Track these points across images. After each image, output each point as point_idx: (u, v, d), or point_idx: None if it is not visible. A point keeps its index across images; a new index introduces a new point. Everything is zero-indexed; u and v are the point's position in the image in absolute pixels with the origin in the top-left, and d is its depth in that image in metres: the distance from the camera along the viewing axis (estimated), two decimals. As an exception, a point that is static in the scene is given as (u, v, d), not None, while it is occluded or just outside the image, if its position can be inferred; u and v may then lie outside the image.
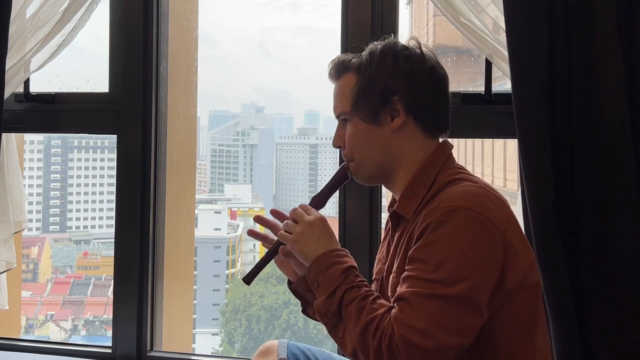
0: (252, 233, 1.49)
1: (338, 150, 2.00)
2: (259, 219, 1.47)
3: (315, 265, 1.29)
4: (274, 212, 1.46)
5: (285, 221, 1.38)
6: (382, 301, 1.22)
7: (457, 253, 1.16)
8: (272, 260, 1.44)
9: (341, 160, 2.00)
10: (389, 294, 1.30)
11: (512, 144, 2.25)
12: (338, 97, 1.40)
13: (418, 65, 1.34)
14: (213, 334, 6.96)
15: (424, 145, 1.35)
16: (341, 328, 1.23)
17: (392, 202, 1.43)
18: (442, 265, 1.15)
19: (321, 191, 1.45)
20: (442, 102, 1.37)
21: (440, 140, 1.39)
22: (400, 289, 1.19)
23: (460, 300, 1.14)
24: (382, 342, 1.14)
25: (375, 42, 1.39)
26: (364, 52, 1.38)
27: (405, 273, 1.20)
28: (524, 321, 1.24)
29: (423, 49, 1.37)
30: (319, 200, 1.43)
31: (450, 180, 1.28)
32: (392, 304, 1.20)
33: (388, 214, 1.44)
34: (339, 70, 1.40)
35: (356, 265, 1.30)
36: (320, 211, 1.40)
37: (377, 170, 1.38)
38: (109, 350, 2.25)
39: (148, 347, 2.24)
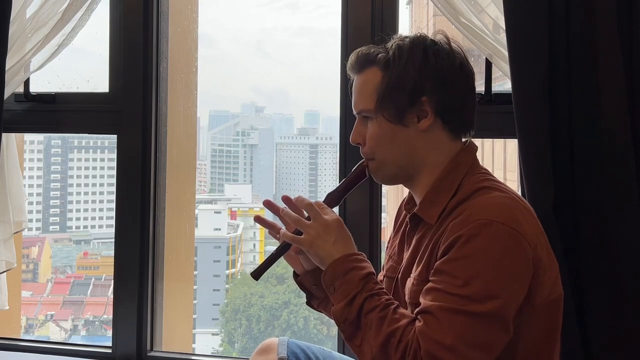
0: (258, 219, 1.42)
1: (339, 149, 1.99)
2: (268, 204, 1.41)
3: (331, 269, 1.24)
4: (286, 199, 1.37)
5: (298, 218, 1.31)
6: (403, 311, 1.19)
7: (487, 269, 1.12)
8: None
9: (342, 160, 2.00)
10: (407, 299, 1.27)
11: (512, 144, 2.24)
12: (360, 94, 1.32)
13: (448, 63, 1.28)
14: (213, 334, 6.95)
15: (449, 147, 1.30)
16: (359, 336, 1.20)
17: (409, 200, 1.39)
18: (471, 281, 1.12)
19: (337, 189, 1.38)
20: (470, 102, 1.32)
21: (465, 141, 1.34)
22: (425, 301, 1.16)
23: (488, 318, 1.12)
24: (406, 355, 1.12)
25: (401, 35, 1.32)
26: (389, 46, 1.30)
27: (431, 284, 1.17)
28: (545, 333, 1.23)
29: (452, 44, 1.30)
30: (333, 198, 1.36)
31: (478, 189, 1.24)
32: (414, 315, 1.17)
33: (405, 211, 1.40)
34: (362, 63, 1.32)
35: (374, 271, 1.26)
36: None
37: (398, 171, 1.33)
38: (109, 350, 2.25)
39: (148, 347, 2.23)
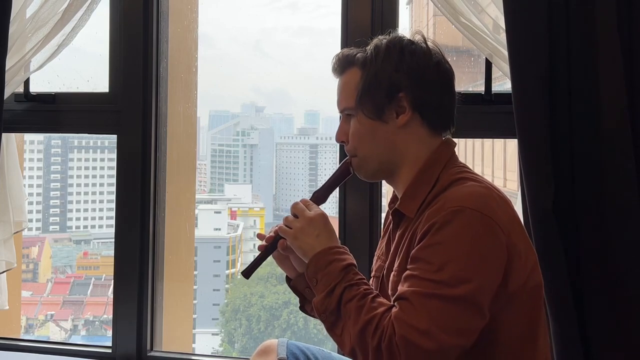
0: (261, 237, 1.46)
1: (339, 149, 2.00)
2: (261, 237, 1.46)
3: (314, 262, 1.28)
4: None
5: (286, 216, 1.35)
6: (382, 299, 1.21)
7: (461, 254, 1.15)
8: (273, 258, 1.42)
9: (342, 159, 2.00)
10: (390, 292, 1.29)
11: (512, 144, 2.25)
12: (342, 92, 1.37)
13: (424, 60, 1.31)
14: (213, 334, 6.96)
15: (428, 142, 1.33)
16: (340, 326, 1.22)
17: (394, 199, 1.42)
18: (445, 266, 1.14)
19: (322, 186, 1.42)
20: (447, 99, 1.34)
21: (444, 137, 1.37)
22: (402, 287, 1.18)
23: (462, 302, 1.13)
24: (382, 341, 1.13)
25: (380, 37, 1.36)
26: (368, 47, 1.35)
27: (407, 272, 1.19)
28: (526, 322, 1.24)
29: (429, 43, 1.34)
30: (320, 196, 1.40)
31: (454, 180, 1.27)
32: (392, 303, 1.19)
33: (389, 210, 1.43)
34: (343, 65, 1.37)
35: (355, 262, 1.29)
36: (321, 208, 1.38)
37: (380, 167, 1.36)
38: (109, 350, 2.25)
39: (148, 347, 2.24)
